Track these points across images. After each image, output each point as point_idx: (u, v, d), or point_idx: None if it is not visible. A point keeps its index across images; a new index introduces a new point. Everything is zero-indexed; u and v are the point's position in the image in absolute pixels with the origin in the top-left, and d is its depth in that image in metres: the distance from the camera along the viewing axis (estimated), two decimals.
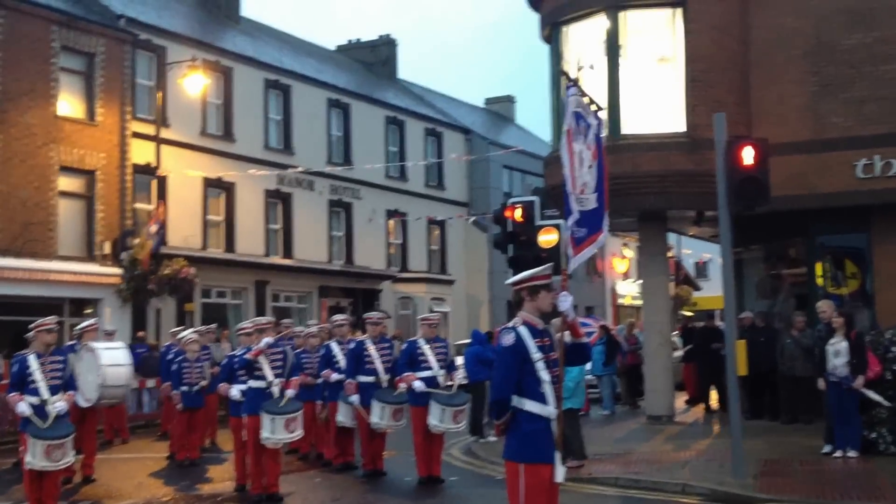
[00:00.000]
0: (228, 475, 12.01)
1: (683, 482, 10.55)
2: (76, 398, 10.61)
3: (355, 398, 11.68)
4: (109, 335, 16.78)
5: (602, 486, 10.86)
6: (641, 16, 15.80)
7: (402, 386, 11.50)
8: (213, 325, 17.02)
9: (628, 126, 15.45)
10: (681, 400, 19.15)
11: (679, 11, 15.51)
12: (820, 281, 16.14)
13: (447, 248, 35.77)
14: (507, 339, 6.10)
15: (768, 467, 11.24)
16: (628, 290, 45.10)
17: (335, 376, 12.37)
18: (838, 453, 11.85)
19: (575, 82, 7.33)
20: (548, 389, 6.08)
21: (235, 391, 10.79)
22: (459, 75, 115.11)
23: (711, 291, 35.27)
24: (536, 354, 6.06)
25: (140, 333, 21.51)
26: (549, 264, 6.67)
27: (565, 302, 6.18)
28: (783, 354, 15.19)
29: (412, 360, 11.47)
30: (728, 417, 11.51)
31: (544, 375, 6.07)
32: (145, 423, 18.77)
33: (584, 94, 7.31)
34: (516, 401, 6.05)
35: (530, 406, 6.03)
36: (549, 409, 6.06)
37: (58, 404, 9.59)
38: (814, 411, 14.31)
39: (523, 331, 6.10)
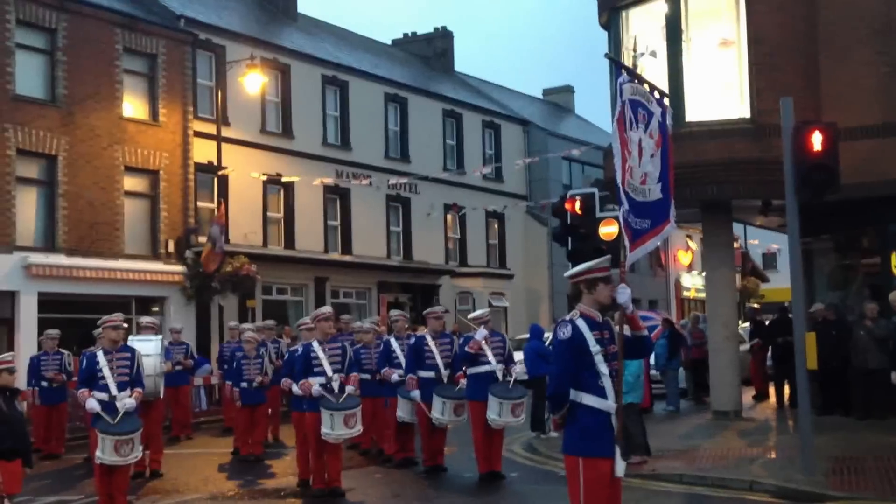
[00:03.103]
0: (291, 470, 12.09)
1: (751, 479, 10.31)
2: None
3: (416, 393, 11.64)
4: (177, 332, 17.03)
5: (666, 482, 10.66)
6: None
7: (463, 381, 11.44)
8: (271, 322, 17.14)
9: (691, 113, 15.12)
10: (748, 395, 18.76)
11: None
12: (895, 271, 15.63)
13: (506, 243, 35.60)
14: (564, 332, 6.02)
15: (840, 464, 10.91)
16: (693, 283, 44.44)
17: (395, 377, 12.31)
18: None
19: (627, 69, 7.15)
20: (607, 383, 5.99)
21: (296, 387, 10.73)
22: (517, 66, 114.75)
23: (781, 283, 34.49)
24: (595, 347, 5.98)
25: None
26: (607, 256, 6.53)
27: (623, 294, 6.06)
28: (856, 346, 14.74)
29: (469, 355, 11.37)
30: (798, 413, 11.21)
31: (603, 369, 5.99)
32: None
33: (642, 81, 7.13)
34: (574, 394, 5.97)
35: (589, 400, 5.95)
36: (608, 403, 5.97)
37: (127, 401, 9.72)
38: (888, 406, 13.88)
39: (581, 323, 6.03)
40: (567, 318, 6.12)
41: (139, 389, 10.06)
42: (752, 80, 14.93)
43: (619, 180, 6.61)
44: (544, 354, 14.59)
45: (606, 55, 8.24)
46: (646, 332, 6.46)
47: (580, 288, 6.17)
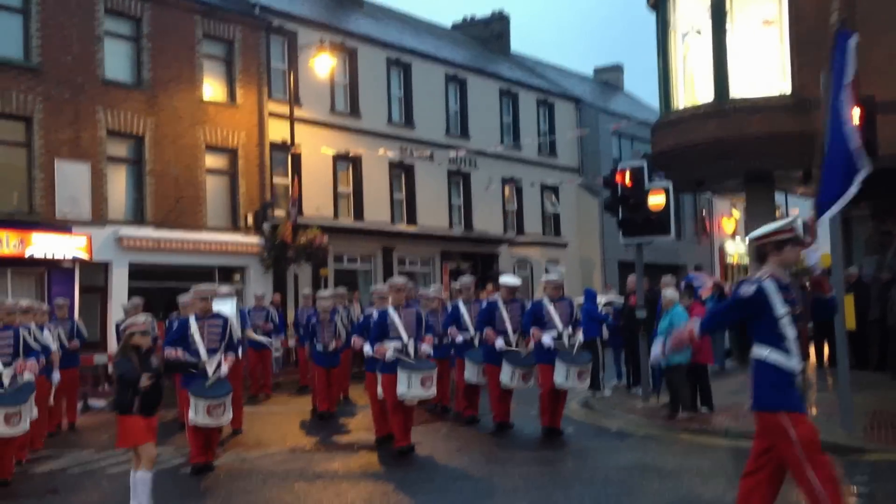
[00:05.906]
0: (363, 426, 12.31)
1: None
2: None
3: (500, 342, 11.58)
4: (260, 298, 17.42)
5: (712, 436, 10.73)
6: None
7: (531, 345, 11.42)
8: (343, 289, 17.42)
9: (735, 90, 14.98)
10: None
11: None
12: None
13: (560, 213, 35.52)
14: (747, 291, 5.63)
15: (877, 419, 10.87)
16: (736, 249, 43.87)
17: (460, 338, 12.47)
18: None
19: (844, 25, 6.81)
20: (793, 345, 5.58)
21: (368, 347, 10.69)
22: (570, 46, 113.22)
23: (820, 249, 33.89)
24: (783, 310, 5.56)
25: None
26: (792, 218, 6.22)
27: (814, 256, 5.91)
28: (892, 308, 14.55)
29: (537, 320, 11.35)
30: (837, 371, 11.15)
31: (790, 332, 5.56)
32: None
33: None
34: (762, 351, 5.62)
35: (775, 357, 5.56)
36: (793, 363, 5.59)
37: (223, 369, 9.72)
38: None
39: (769, 285, 5.57)
40: (754, 277, 5.68)
41: (232, 356, 10.01)
42: (792, 57, 14.73)
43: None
44: (597, 317, 14.66)
45: (840, 19, 7.87)
46: (832, 295, 6.11)
47: (765, 249, 5.73)
